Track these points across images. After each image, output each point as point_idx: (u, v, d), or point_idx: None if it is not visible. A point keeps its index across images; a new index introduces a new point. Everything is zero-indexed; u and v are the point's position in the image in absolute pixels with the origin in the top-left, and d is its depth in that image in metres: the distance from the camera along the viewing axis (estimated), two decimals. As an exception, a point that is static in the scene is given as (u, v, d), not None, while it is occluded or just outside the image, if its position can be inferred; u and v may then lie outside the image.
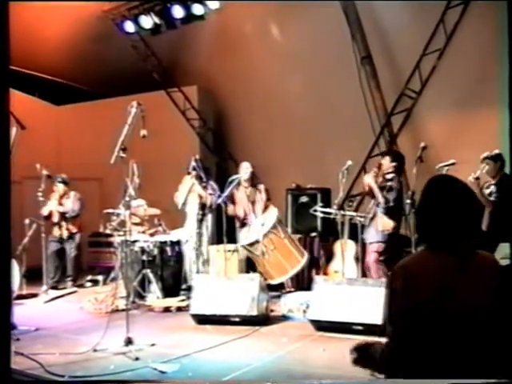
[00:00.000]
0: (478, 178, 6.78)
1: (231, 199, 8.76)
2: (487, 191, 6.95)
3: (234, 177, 8.43)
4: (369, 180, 7.72)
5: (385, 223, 7.47)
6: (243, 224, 8.88)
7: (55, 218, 10.01)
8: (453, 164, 6.93)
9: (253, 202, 8.84)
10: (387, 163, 7.70)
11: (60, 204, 10.04)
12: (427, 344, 2.31)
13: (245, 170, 8.87)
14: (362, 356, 2.61)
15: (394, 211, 7.54)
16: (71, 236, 10.11)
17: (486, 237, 6.53)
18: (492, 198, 6.81)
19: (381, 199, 7.50)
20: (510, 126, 3.34)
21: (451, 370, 2.26)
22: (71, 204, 10.11)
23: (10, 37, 2.22)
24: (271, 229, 8.17)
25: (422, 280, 2.34)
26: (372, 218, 7.68)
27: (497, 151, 6.95)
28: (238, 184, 8.62)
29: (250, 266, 8.72)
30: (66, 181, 10.17)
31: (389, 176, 7.65)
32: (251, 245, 8.18)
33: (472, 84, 9.11)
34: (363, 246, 7.82)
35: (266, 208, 8.77)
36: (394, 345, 2.44)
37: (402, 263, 2.50)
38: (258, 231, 8.17)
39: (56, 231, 10.06)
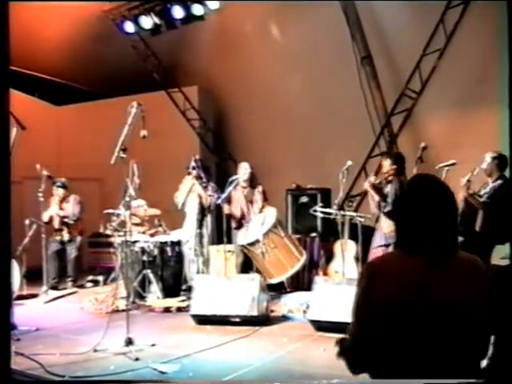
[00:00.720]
0: (469, 181, 6.78)
1: (228, 199, 8.74)
2: (483, 191, 6.96)
3: (233, 177, 8.43)
4: (367, 186, 7.71)
5: (389, 225, 7.45)
6: (240, 224, 8.87)
7: (56, 224, 10.00)
8: (453, 164, 6.93)
9: (251, 202, 8.84)
10: (388, 165, 7.68)
11: (60, 208, 10.02)
12: (392, 344, 2.28)
13: (244, 170, 8.85)
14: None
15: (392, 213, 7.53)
16: (72, 238, 10.11)
17: (480, 238, 6.55)
18: (483, 199, 6.80)
19: (381, 202, 7.49)
20: (510, 126, 3.33)
21: (418, 369, 2.24)
22: (71, 208, 10.09)
23: (10, 37, 2.22)
24: (272, 228, 8.17)
25: (389, 278, 2.32)
26: (376, 222, 7.67)
27: (496, 151, 6.95)
28: (237, 184, 8.61)
29: (248, 266, 8.71)
30: (65, 185, 10.14)
31: (389, 178, 7.64)
32: (251, 244, 8.18)
33: (472, 84, 9.11)
34: (364, 247, 7.80)
35: (262, 208, 8.77)
36: (354, 342, 2.43)
37: (372, 261, 2.50)
38: (258, 230, 8.18)
39: (57, 235, 10.06)
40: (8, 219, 2.18)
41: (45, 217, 9.64)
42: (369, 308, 2.34)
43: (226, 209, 8.72)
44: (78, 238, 10.23)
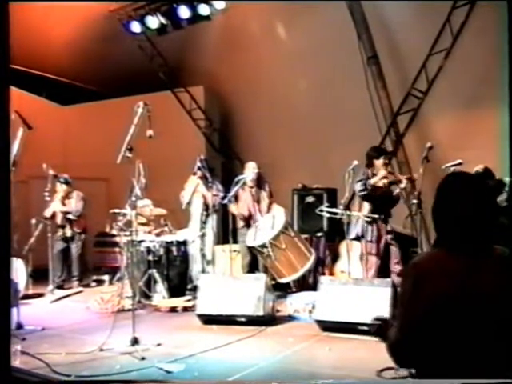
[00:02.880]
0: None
1: (236, 199, 8.73)
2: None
3: (240, 177, 8.43)
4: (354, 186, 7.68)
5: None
6: (248, 224, 8.86)
7: (58, 220, 10.02)
8: (459, 164, 6.91)
9: (258, 202, 8.83)
10: (380, 163, 7.65)
11: (63, 204, 10.03)
12: (439, 340, 2.30)
13: (251, 170, 8.82)
14: (383, 329, 2.62)
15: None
16: (76, 235, 10.12)
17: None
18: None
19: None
20: (510, 126, 3.32)
21: (463, 369, 2.25)
22: (74, 204, 10.10)
23: (10, 36, 2.22)
24: (282, 229, 8.14)
25: (433, 277, 2.33)
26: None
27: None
28: (244, 184, 8.60)
29: (254, 266, 8.71)
30: (68, 181, 10.13)
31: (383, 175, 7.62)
32: (261, 246, 8.14)
33: (479, 84, 9.09)
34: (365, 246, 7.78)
35: (270, 206, 8.77)
36: (400, 338, 2.44)
37: (416, 260, 2.50)
38: (268, 233, 8.16)
39: (60, 231, 10.07)
40: (8, 219, 2.18)
41: (47, 212, 9.65)
42: (416, 306, 2.36)
43: (232, 209, 8.72)
44: (82, 236, 10.24)
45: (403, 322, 2.44)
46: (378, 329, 2.65)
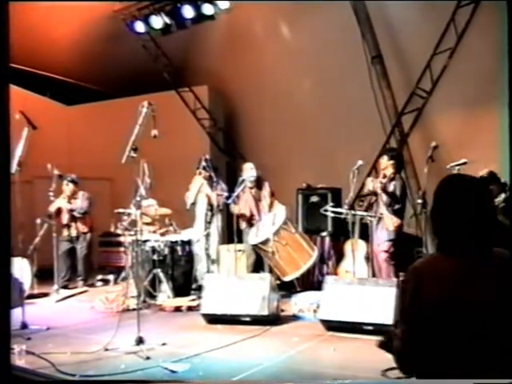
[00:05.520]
0: None
1: (237, 200, 8.76)
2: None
3: (244, 176, 8.46)
4: (371, 183, 7.75)
5: (394, 222, 7.49)
6: (250, 224, 8.87)
7: (64, 219, 10.02)
8: (464, 163, 6.90)
9: (259, 202, 8.85)
10: (385, 162, 7.72)
11: (69, 203, 10.04)
12: (441, 345, 2.30)
13: (249, 171, 8.85)
14: (388, 341, 2.61)
15: (399, 209, 7.58)
16: (81, 235, 10.14)
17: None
18: None
19: (385, 200, 7.53)
20: (510, 126, 3.31)
21: (466, 369, 2.25)
22: (80, 202, 10.12)
23: (9, 36, 2.22)
24: (282, 225, 8.17)
25: (434, 282, 2.33)
26: (379, 219, 7.68)
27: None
28: (245, 186, 8.63)
29: (259, 265, 8.72)
30: (75, 180, 10.15)
31: (390, 175, 7.65)
32: (263, 243, 8.17)
33: (483, 83, 9.06)
34: (372, 247, 7.82)
35: (271, 204, 8.79)
36: (403, 345, 2.44)
37: (415, 265, 2.49)
38: (269, 229, 8.18)
39: (65, 231, 10.08)
40: (8, 218, 2.18)
41: (52, 207, 9.63)
42: (417, 310, 2.36)
43: (235, 210, 8.72)
44: (88, 236, 10.25)
45: (405, 329, 2.44)
46: (382, 342, 2.64)
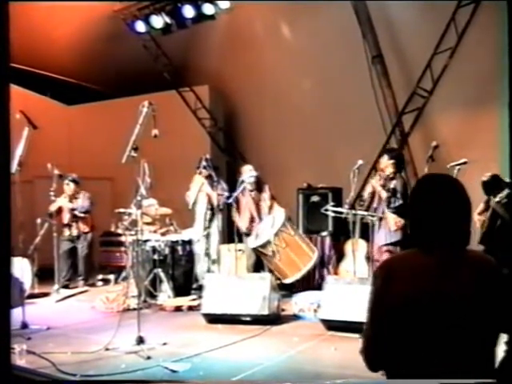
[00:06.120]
0: None
1: (237, 204, 8.77)
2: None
3: (243, 177, 8.46)
4: (373, 183, 7.74)
5: (396, 222, 7.46)
6: (250, 228, 8.85)
7: (65, 219, 10.02)
8: (464, 163, 6.90)
9: (259, 204, 8.85)
10: (385, 161, 7.70)
11: (70, 202, 10.04)
12: (408, 343, 2.28)
13: (248, 172, 8.83)
14: None
15: (402, 209, 7.55)
16: (82, 235, 10.14)
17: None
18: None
19: (390, 198, 7.51)
20: (510, 126, 3.30)
21: (432, 368, 2.23)
22: (81, 202, 10.12)
23: (10, 36, 2.22)
24: (281, 227, 8.17)
25: (404, 277, 2.32)
26: (381, 219, 7.66)
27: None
28: (244, 188, 8.62)
29: (259, 266, 8.72)
30: (76, 180, 10.15)
31: (390, 174, 7.63)
32: (262, 246, 8.17)
33: (484, 83, 9.06)
34: (374, 247, 7.80)
35: (271, 207, 8.78)
36: (369, 342, 2.43)
37: (386, 261, 2.50)
38: (268, 232, 8.18)
39: (66, 231, 10.08)
40: (8, 218, 2.18)
41: (52, 206, 9.62)
42: (384, 308, 2.35)
43: (235, 218, 8.73)
44: (89, 235, 10.24)
45: (370, 323, 2.42)
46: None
